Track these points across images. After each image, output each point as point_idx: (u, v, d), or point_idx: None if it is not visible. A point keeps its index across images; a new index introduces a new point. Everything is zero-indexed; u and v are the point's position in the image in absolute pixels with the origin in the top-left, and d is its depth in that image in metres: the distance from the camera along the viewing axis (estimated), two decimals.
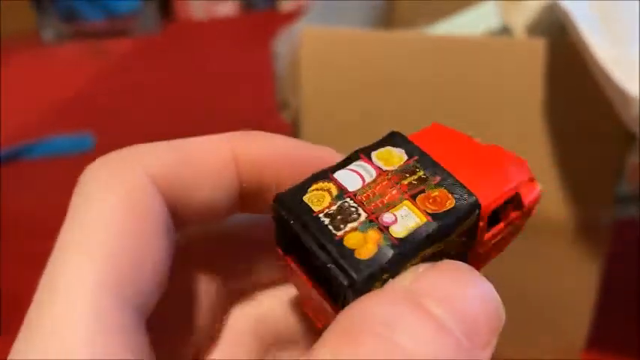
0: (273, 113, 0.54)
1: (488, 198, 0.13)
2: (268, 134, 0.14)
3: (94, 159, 0.12)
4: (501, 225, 0.14)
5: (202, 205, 0.12)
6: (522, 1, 0.48)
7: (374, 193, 0.12)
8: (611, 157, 0.40)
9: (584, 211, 0.42)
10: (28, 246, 0.83)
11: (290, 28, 0.46)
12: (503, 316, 0.12)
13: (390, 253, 0.11)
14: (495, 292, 0.12)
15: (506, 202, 0.14)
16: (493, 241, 0.14)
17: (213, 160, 0.12)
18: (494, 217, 0.14)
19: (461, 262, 0.12)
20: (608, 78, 0.32)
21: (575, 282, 0.44)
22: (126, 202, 0.11)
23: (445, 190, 0.12)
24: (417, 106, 0.44)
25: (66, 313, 0.09)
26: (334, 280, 0.12)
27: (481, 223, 0.13)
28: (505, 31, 0.50)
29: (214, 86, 1.22)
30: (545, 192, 0.45)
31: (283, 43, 0.45)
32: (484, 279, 0.12)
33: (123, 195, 0.11)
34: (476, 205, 0.13)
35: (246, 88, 1.19)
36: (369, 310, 0.10)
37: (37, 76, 1.36)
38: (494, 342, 0.11)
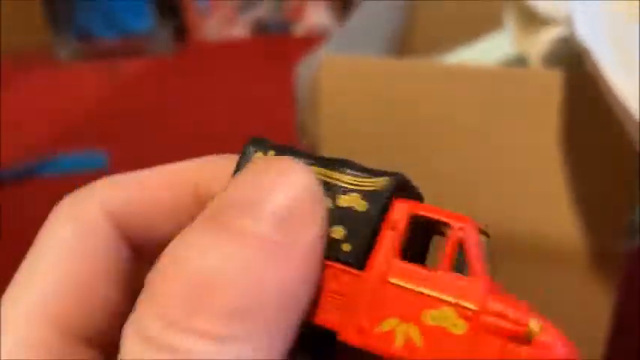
0: (289, 135, 0.55)
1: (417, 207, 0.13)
2: (232, 157, 0.14)
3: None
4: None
5: (163, 239, 0.12)
6: (536, 33, 0.50)
7: None
8: (625, 187, 0.41)
9: (597, 239, 0.43)
10: None
11: (312, 55, 0.47)
12: (319, 195, 0.11)
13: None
14: (305, 177, 0.11)
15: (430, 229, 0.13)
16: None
17: (170, 196, 0.13)
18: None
19: (270, 159, 0.12)
20: (625, 109, 0.33)
21: (588, 310, 0.45)
22: (76, 238, 0.12)
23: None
24: (432, 132, 0.45)
25: None
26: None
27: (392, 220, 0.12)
28: (520, 61, 0.51)
29: (227, 106, 1.24)
30: (560, 219, 0.45)
31: (306, 69, 0.46)
32: (290, 164, 0.11)
33: (74, 231, 0.12)
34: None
35: (259, 110, 1.20)
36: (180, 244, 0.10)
37: (52, 94, 1.38)
38: (317, 220, 0.11)
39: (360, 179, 0.12)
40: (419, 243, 0.13)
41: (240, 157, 0.13)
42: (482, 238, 0.13)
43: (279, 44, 1.57)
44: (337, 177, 0.13)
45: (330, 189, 0.12)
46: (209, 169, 0.13)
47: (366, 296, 0.12)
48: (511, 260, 0.45)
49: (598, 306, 0.44)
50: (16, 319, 0.11)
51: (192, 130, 1.14)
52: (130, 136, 1.13)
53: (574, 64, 0.44)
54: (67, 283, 0.12)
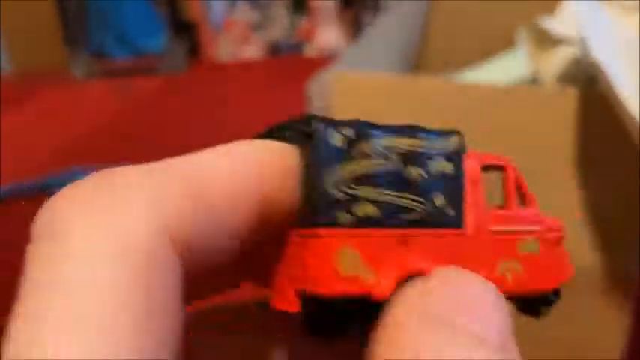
0: None
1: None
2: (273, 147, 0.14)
3: None
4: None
5: None
6: (550, 53, 0.50)
7: None
8: None
9: (611, 260, 0.42)
10: None
11: (324, 72, 0.47)
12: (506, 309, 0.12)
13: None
14: (488, 283, 0.12)
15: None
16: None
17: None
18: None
19: (451, 269, 0.12)
20: (638, 127, 0.33)
21: (603, 333, 0.44)
22: None
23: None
24: None
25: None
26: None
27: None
28: (533, 81, 0.51)
29: (239, 125, 1.24)
30: (574, 242, 0.44)
31: (317, 87, 0.47)
32: (474, 276, 0.12)
33: None
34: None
35: None
36: (415, 340, 0.10)
37: (66, 110, 1.40)
38: (510, 343, 0.11)
39: (435, 142, 0.13)
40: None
41: (316, 142, 0.12)
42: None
43: (291, 65, 1.58)
44: (417, 144, 0.13)
45: (417, 157, 0.13)
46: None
47: (473, 249, 0.13)
48: None
49: (612, 330, 0.44)
50: None
51: (204, 146, 1.15)
52: (142, 153, 1.14)
53: (586, 84, 0.44)
54: None
